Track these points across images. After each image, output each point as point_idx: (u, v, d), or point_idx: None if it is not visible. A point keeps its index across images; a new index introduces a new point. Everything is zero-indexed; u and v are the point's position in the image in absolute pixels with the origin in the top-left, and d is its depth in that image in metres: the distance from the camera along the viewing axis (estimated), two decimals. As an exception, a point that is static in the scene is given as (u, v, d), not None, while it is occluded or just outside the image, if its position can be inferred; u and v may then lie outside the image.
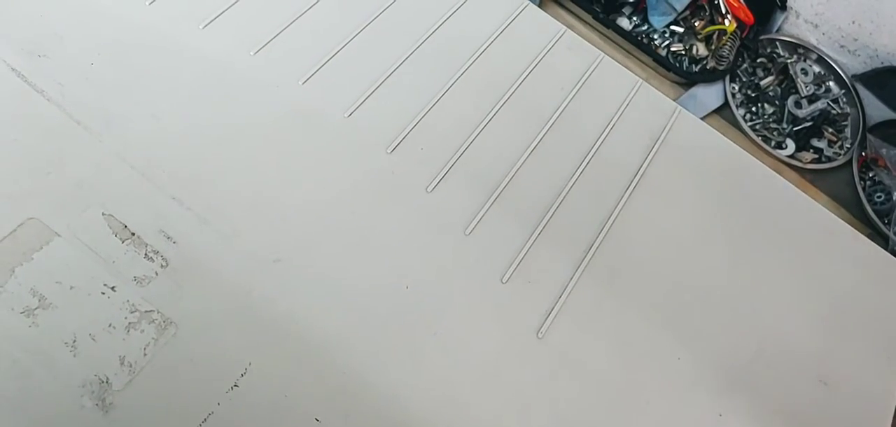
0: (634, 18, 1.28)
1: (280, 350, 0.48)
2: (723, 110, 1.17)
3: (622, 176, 0.62)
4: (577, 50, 0.71)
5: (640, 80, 0.72)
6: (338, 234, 0.54)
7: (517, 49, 0.67)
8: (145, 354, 0.46)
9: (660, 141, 0.65)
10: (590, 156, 0.63)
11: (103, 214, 0.49)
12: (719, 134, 0.71)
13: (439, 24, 0.66)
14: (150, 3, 0.59)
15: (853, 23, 1.28)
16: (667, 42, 1.31)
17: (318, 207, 0.54)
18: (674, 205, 0.62)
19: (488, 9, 0.70)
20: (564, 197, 0.60)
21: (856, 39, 1.30)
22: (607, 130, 0.65)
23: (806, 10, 1.31)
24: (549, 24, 0.71)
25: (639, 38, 1.25)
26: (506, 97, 0.64)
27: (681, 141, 0.66)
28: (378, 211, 0.56)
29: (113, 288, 0.47)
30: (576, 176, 0.61)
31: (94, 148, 0.52)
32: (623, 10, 1.27)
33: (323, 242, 0.53)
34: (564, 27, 0.72)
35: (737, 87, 1.31)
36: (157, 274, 0.49)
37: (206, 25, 0.59)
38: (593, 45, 0.72)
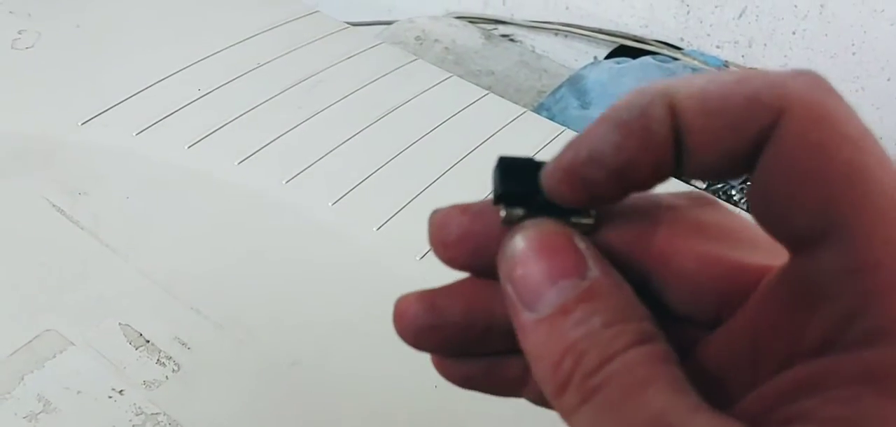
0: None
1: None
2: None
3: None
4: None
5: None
6: (358, 335, 0.51)
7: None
8: (146, 456, 0.43)
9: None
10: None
11: (120, 324, 0.49)
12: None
13: (473, 148, 0.66)
14: (189, 147, 0.62)
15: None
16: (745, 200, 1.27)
17: (341, 311, 0.52)
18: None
19: (522, 132, 0.70)
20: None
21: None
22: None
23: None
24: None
25: (717, 195, 1.21)
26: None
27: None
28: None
29: (120, 392, 0.46)
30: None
31: (118, 266, 0.52)
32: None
33: (343, 345, 0.50)
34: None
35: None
36: (167, 378, 0.47)
37: (241, 162, 0.61)
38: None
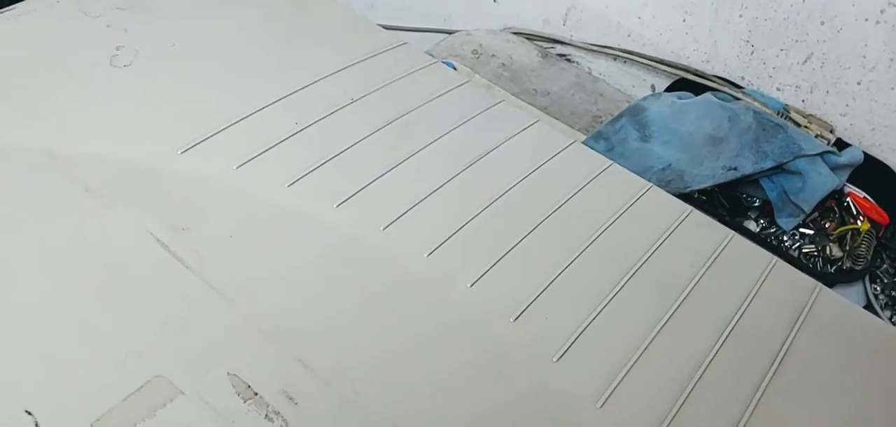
0: (761, 221, 1.24)
1: None
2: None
3: (763, 354, 0.58)
4: (705, 228, 0.69)
5: (775, 258, 0.68)
6: (459, 404, 0.51)
7: (642, 226, 0.66)
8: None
9: (802, 319, 0.61)
10: (726, 332, 0.59)
11: (228, 374, 0.49)
12: (869, 313, 0.66)
13: (563, 202, 0.66)
14: (289, 185, 0.62)
15: None
16: (798, 244, 1.25)
17: (441, 379, 0.53)
18: (825, 388, 0.57)
19: (611, 189, 0.70)
20: (702, 375, 0.56)
21: None
22: (744, 306, 0.61)
23: (949, 209, 1.23)
24: (673, 204, 0.70)
25: (768, 241, 1.21)
26: (632, 271, 0.62)
27: (825, 319, 0.62)
28: (502, 383, 0.53)
29: (233, 447, 0.46)
30: (712, 353, 0.57)
31: (225, 312, 0.53)
32: (749, 213, 1.24)
33: (447, 414, 0.51)
34: (691, 207, 0.71)
35: (879, 289, 1.22)
36: (277, 434, 0.47)
37: (339, 204, 0.61)
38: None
